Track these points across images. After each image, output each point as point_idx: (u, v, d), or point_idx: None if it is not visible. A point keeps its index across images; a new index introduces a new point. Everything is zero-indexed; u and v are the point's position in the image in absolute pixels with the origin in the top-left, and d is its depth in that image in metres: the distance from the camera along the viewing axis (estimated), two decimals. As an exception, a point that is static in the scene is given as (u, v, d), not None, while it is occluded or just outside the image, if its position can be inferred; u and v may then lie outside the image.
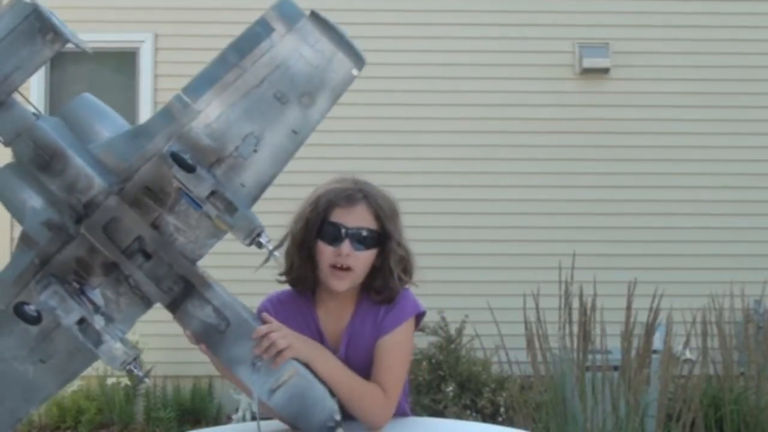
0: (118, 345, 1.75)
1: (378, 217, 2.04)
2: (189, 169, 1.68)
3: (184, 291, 1.81)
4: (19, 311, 1.75)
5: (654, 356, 4.35)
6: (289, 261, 2.10)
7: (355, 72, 1.76)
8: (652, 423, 4.19)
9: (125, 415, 5.82)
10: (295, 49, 1.72)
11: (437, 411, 5.11)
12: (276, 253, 1.78)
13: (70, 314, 1.73)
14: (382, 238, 2.05)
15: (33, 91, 6.10)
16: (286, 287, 2.14)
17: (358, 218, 2.03)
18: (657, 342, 4.32)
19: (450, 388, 5.25)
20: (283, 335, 1.88)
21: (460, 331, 5.50)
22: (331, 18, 1.75)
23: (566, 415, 4.16)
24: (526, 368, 4.42)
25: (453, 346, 5.46)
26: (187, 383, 6.07)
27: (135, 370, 1.77)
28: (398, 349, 2.07)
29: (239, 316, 1.85)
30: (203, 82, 1.71)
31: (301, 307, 2.06)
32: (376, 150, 6.16)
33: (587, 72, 6.43)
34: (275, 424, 2.04)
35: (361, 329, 2.07)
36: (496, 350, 4.66)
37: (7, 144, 1.73)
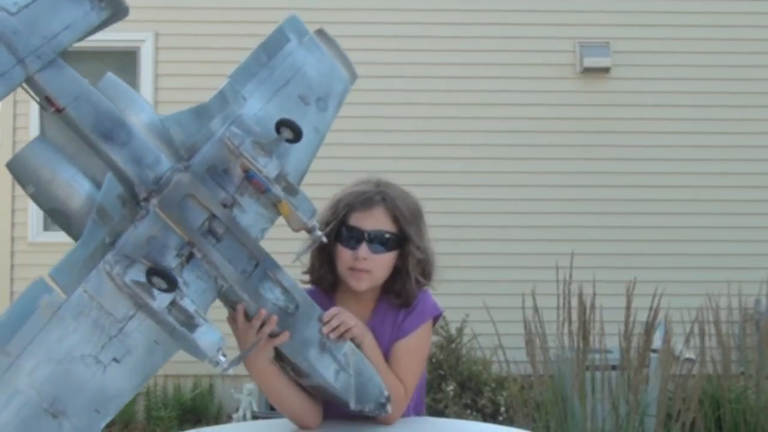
0: (214, 329, 1.57)
1: (396, 220, 2.05)
2: (297, 137, 1.71)
3: (257, 272, 1.71)
4: (161, 273, 1.51)
5: (653, 355, 4.35)
6: (311, 261, 2.12)
7: (349, 86, 1.96)
8: (651, 422, 4.19)
9: (126, 414, 5.82)
10: (307, 59, 1.89)
11: (438, 410, 5.12)
12: (324, 238, 1.79)
13: (160, 295, 1.52)
14: (401, 240, 2.06)
15: (34, 91, 6.10)
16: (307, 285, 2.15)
17: (375, 221, 2.03)
18: (656, 341, 4.32)
19: (450, 388, 5.25)
20: (348, 315, 1.90)
21: (460, 331, 5.50)
22: (339, 25, 1.82)
23: (566, 415, 4.17)
24: (527, 367, 4.42)
25: (453, 345, 5.46)
26: (187, 382, 6.07)
27: (223, 359, 1.58)
28: (416, 350, 2.09)
29: (304, 296, 1.82)
30: (245, 74, 1.81)
31: (323, 304, 2.07)
32: (373, 150, 6.15)
33: (588, 71, 6.43)
34: (276, 424, 2.04)
35: (381, 329, 2.07)
36: (496, 350, 4.66)
37: (61, 109, 1.55)
